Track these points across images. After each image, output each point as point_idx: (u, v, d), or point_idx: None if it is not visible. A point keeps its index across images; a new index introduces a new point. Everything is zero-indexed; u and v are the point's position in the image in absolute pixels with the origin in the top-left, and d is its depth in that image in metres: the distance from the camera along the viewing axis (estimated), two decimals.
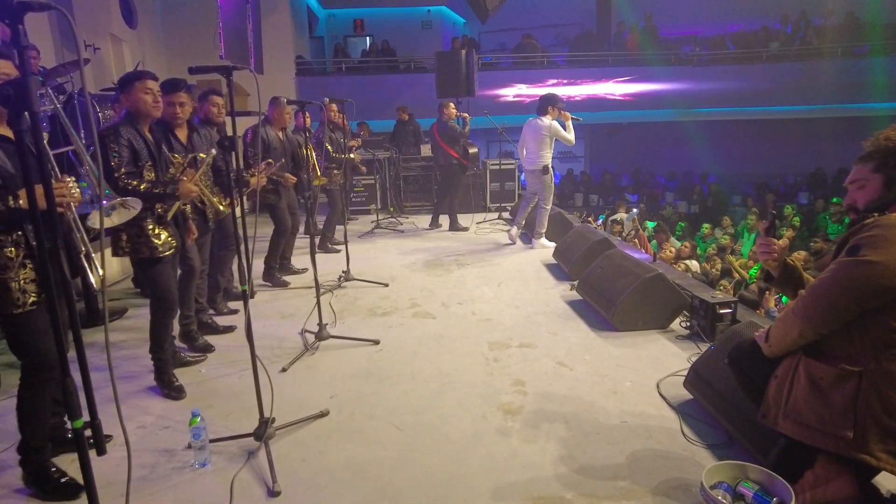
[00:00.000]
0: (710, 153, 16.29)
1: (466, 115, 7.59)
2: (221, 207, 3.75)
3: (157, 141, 3.11)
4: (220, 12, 7.56)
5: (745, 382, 2.33)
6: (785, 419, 1.97)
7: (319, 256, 6.31)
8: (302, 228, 6.72)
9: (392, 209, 9.14)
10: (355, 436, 2.75)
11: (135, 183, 2.90)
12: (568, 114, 6.14)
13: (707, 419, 2.76)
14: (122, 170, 2.86)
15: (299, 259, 5.80)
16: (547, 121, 6.05)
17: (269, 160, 4.53)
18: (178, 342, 3.69)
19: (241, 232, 2.59)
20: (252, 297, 4.95)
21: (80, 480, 2.35)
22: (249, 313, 2.52)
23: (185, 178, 3.09)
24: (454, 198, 7.84)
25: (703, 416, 2.80)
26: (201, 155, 3.37)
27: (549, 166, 6.20)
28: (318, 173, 5.88)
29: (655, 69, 13.56)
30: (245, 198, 4.65)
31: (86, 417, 1.39)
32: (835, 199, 10.85)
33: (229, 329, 4.19)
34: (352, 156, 6.83)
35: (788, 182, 15.83)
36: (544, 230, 6.51)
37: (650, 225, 9.81)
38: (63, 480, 2.39)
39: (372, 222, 8.25)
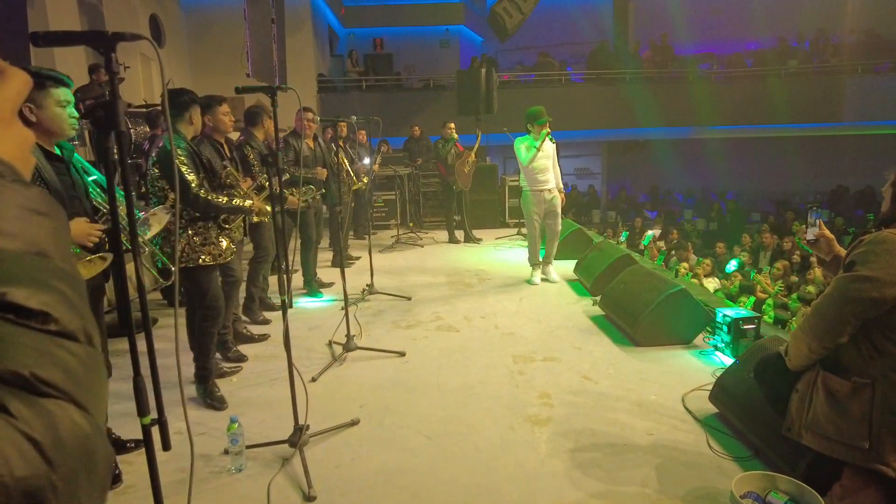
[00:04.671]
0: (728, 170, 16.27)
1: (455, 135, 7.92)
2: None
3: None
4: (247, 32, 7.79)
5: (772, 395, 2.37)
6: (807, 431, 2.02)
7: (339, 271, 6.49)
8: (325, 242, 6.91)
9: (412, 224, 9.27)
10: (386, 444, 2.82)
11: (213, 196, 3.06)
12: (543, 132, 5.44)
13: (733, 433, 2.79)
14: (196, 182, 3.01)
15: (325, 272, 5.94)
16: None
17: (312, 186, 4.71)
18: None
19: (281, 243, 2.69)
20: (290, 307, 5.06)
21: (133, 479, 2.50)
22: (287, 323, 2.62)
23: (256, 197, 3.31)
24: (450, 211, 8.14)
25: (729, 429, 2.83)
26: (264, 177, 3.56)
27: (523, 187, 5.68)
28: (356, 180, 6.11)
29: (673, 86, 13.64)
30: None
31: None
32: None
33: (263, 338, 4.31)
34: (363, 181, 6.66)
35: (809, 200, 15.73)
36: (529, 259, 5.91)
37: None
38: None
39: (392, 237, 8.36)
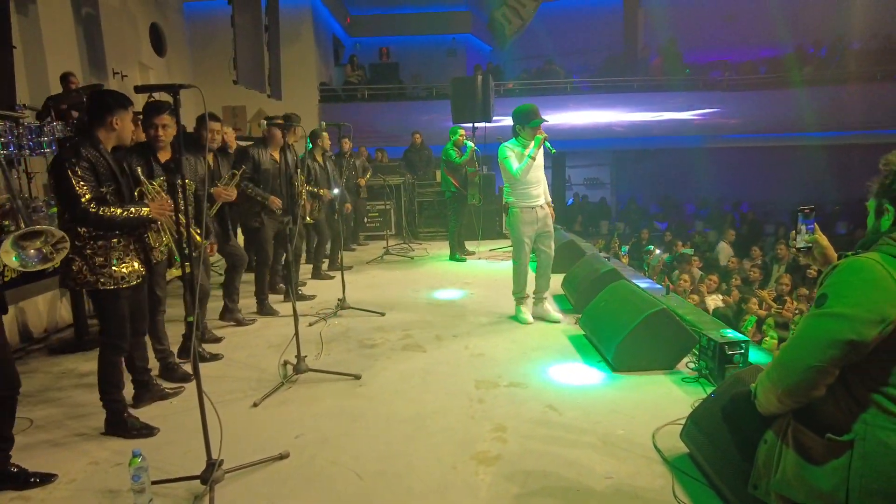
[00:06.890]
0: (742, 180, 15.75)
1: (472, 143, 7.38)
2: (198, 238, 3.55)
3: (130, 164, 3.01)
4: (234, 38, 7.63)
5: (742, 443, 2.03)
6: (775, 494, 1.67)
7: (320, 284, 6.24)
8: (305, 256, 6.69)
9: (405, 235, 9.00)
10: (312, 483, 2.52)
11: (105, 210, 2.69)
12: (538, 136, 4.42)
13: (706, 478, 2.44)
14: (87, 196, 2.65)
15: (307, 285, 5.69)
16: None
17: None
18: (156, 376, 3.56)
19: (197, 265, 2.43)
20: (244, 324, 4.83)
21: None
22: (196, 347, 2.34)
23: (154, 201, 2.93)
24: (460, 226, 7.61)
25: (701, 473, 2.48)
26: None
27: (509, 203, 4.60)
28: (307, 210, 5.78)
29: (683, 94, 13.25)
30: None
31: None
32: None
33: (216, 357, 4.06)
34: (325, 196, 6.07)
35: (826, 211, 15.11)
36: (514, 291, 4.77)
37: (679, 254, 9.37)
38: None
39: (382, 248, 8.09)
